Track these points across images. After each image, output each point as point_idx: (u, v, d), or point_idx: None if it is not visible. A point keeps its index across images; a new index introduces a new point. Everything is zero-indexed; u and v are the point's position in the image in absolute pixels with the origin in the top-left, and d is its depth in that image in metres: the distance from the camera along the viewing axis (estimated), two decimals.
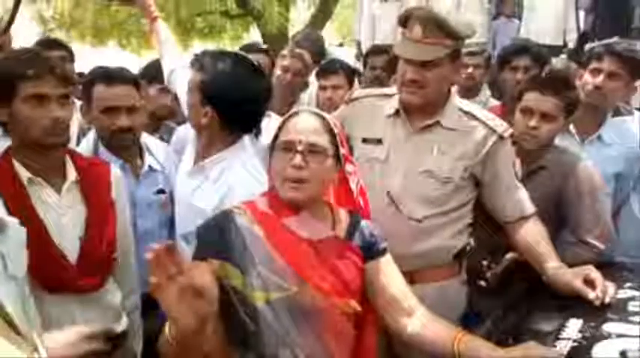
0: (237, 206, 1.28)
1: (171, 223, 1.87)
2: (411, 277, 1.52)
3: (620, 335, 1.29)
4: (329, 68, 2.81)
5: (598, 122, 2.14)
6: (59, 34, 9.09)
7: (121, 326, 1.58)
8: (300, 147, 1.21)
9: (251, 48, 2.84)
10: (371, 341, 1.30)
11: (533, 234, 1.69)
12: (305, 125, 1.25)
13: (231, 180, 1.56)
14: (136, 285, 1.71)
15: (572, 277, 1.51)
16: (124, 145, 1.83)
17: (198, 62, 1.62)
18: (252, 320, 1.19)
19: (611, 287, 1.48)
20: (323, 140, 1.24)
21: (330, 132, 1.27)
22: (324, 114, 1.32)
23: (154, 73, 2.35)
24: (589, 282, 1.49)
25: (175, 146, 2.17)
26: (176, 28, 10.16)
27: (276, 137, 1.28)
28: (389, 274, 1.32)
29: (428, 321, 1.28)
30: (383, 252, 1.34)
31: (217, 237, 1.22)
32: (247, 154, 1.65)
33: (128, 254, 1.63)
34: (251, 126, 1.70)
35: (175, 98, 2.26)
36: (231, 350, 1.22)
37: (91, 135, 1.95)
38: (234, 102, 1.57)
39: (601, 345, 1.25)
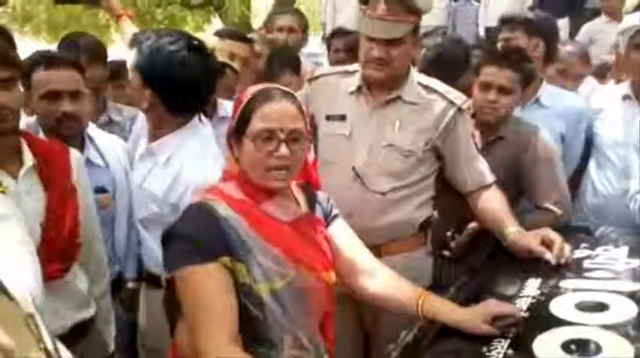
0: (207, 196, 1.20)
1: (112, 220, 1.83)
2: (377, 250, 1.55)
3: (575, 290, 1.36)
4: (272, 71, 2.63)
5: (533, 87, 2.19)
6: (13, 29, 8.76)
7: (88, 312, 1.56)
8: (282, 136, 1.16)
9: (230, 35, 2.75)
10: (332, 308, 1.30)
11: (492, 202, 1.74)
12: (283, 111, 1.18)
13: (179, 165, 1.52)
14: (104, 271, 1.69)
15: (529, 239, 1.57)
16: (67, 134, 1.71)
17: (135, 43, 1.56)
18: (259, 311, 1.15)
19: (567, 246, 1.54)
20: (301, 124, 1.20)
21: (302, 111, 1.22)
22: (291, 91, 1.27)
23: (67, 51, 2.25)
24: (546, 244, 1.54)
25: (139, 132, 2.11)
26: (135, 20, 9.91)
27: (246, 119, 1.19)
28: (344, 237, 1.33)
29: (391, 281, 1.31)
30: (336, 217, 1.35)
31: (211, 232, 1.12)
32: (197, 137, 1.59)
33: (93, 239, 1.61)
34: (197, 107, 1.60)
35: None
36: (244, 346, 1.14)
37: (30, 122, 1.79)
38: (173, 83, 1.50)
39: (558, 299, 1.32)
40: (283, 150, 1.15)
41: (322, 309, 1.26)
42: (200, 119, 1.60)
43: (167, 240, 1.16)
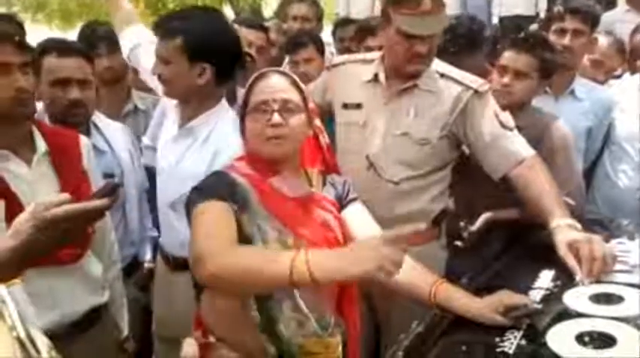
0: (223, 169, 1.29)
1: (122, 205, 1.87)
2: None
3: (589, 282, 1.34)
4: (298, 42, 2.78)
5: (569, 78, 2.18)
6: (25, 17, 8.80)
7: (102, 297, 1.58)
8: (275, 106, 1.24)
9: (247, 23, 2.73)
10: (353, 293, 1.33)
11: (531, 184, 1.60)
12: (276, 84, 1.27)
13: (220, 140, 1.57)
14: (116, 256, 1.71)
15: (564, 250, 1.40)
16: (75, 121, 1.74)
17: (168, 28, 1.59)
18: None
19: (599, 264, 1.33)
20: (295, 96, 1.27)
21: (298, 88, 1.30)
22: (289, 72, 1.34)
23: (85, 41, 2.28)
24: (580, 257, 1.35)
25: (159, 119, 2.10)
26: (146, 9, 9.93)
27: (246, 100, 1.28)
28: (360, 220, 1.35)
29: (405, 266, 1.30)
30: (354, 200, 1.37)
31: (226, 186, 1.22)
32: (231, 114, 1.66)
33: (104, 225, 1.62)
34: (236, 73, 1.72)
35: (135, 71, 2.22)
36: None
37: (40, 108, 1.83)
38: (224, 50, 1.60)
39: (572, 291, 1.30)
40: (275, 118, 1.23)
41: (332, 287, 1.28)
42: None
43: (192, 193, 1.23)
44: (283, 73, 1.32)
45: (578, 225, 1.47)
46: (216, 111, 1.63)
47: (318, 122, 1.41)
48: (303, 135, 1.29)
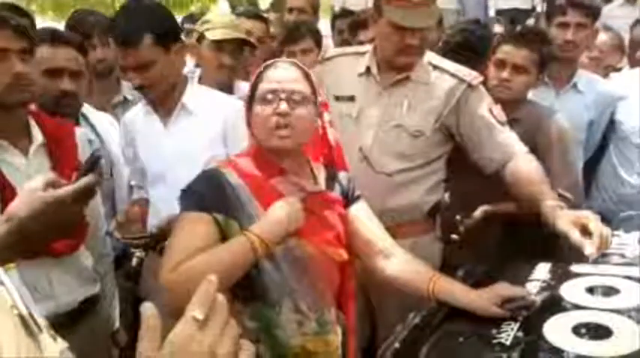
0: (221, 165, 1.27)
1: (111, 196, 1.89)
2: None
3: (586, 274, 1.35)
4: (295, 33, 2.74)
5: (571, 72, 2.19)
6: None
7: (95, 288, 1.57)
8: (283, 95, 1.21)
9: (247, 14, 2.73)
10: (351, 287, 1.33)
11: (521, 174, 1.61)
12: (285, 73, 1.24)
13: (221, 102, 1.71)
14: (108, 249, 1.70)
15: (568, 228, 1.33)
16: (64, 113, 1.70)
17: (133, 33, 1.59)
18: (254, 268, 1.19)
19: (608, 232, 1.30)
20: (304, 87, 1.24)
21: (309, 79, 1.27)
22: (300, 63, 1.31)
23: (77, 30, 2.22)
24: (586, 232, 1.31)
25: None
26: None
27: (254, 89, 1.26)
28: (364, 219, 1.34)
29: (405, 263, 1.31)
30: (358, 198, 1.36)
31: (215, 191, 1.20)
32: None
33: (96, 217, 1.61)
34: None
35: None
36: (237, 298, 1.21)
37: None
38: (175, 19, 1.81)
39: (569, 283, 1.31)
40: (282, 106, 1.20)
41: (333, 284, 1.28)
42: None
43: (180, 197, 1.24)
44: (295, 64, 1.29)
45: (565, 207, 1.47)
46: (192, 86, 1.74)
47: (327, 116, 1.39)
48: (309, 128, 1.26)
